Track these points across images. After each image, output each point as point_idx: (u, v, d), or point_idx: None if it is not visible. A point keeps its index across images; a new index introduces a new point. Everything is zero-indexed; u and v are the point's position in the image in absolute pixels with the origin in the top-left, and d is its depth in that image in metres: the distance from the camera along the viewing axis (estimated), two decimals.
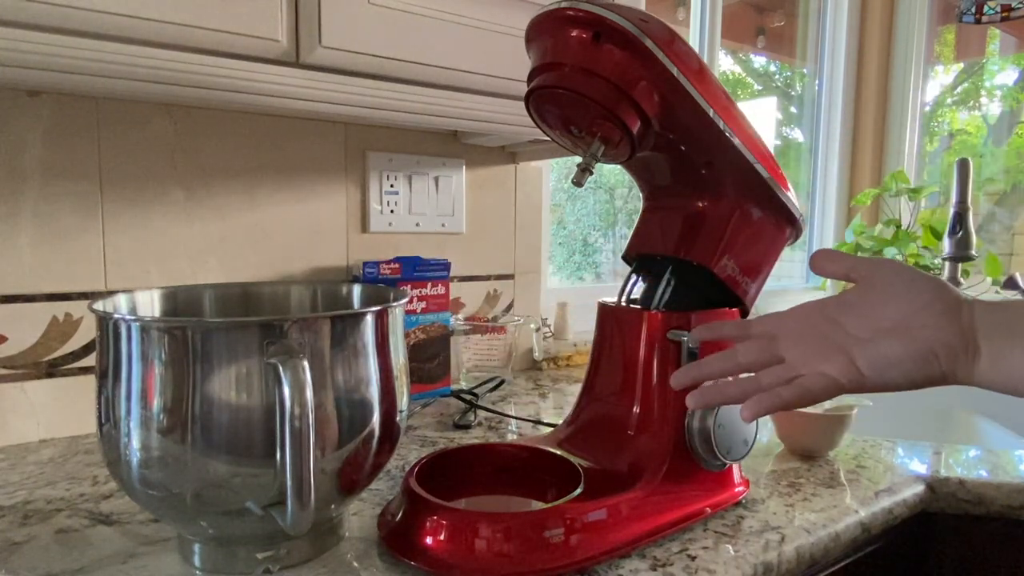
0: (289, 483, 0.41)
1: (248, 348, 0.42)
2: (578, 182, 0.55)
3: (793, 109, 1.96)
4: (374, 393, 0.48)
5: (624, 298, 0.64)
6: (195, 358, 0.42)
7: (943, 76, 2.02)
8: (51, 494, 0.61)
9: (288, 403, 0.40)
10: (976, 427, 1.15)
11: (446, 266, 0.97)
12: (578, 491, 0.52)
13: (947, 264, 1.31)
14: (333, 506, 0.50)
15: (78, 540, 0.52)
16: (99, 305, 0.46)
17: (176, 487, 0.43)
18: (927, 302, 0.41)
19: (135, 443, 0.43)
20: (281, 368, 0.41)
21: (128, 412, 0.43)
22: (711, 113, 0.53)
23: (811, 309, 0.46)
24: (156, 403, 0.42)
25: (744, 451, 0.59)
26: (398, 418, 0.51)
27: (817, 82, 1.88)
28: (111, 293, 0.78)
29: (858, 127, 1.90)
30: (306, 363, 0.42)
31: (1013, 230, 1.89)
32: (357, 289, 0.61)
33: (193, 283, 0.62)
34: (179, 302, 0.58)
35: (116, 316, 0.43)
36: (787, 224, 0.62)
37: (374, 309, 0.48)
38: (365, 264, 0.91)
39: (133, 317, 0.46)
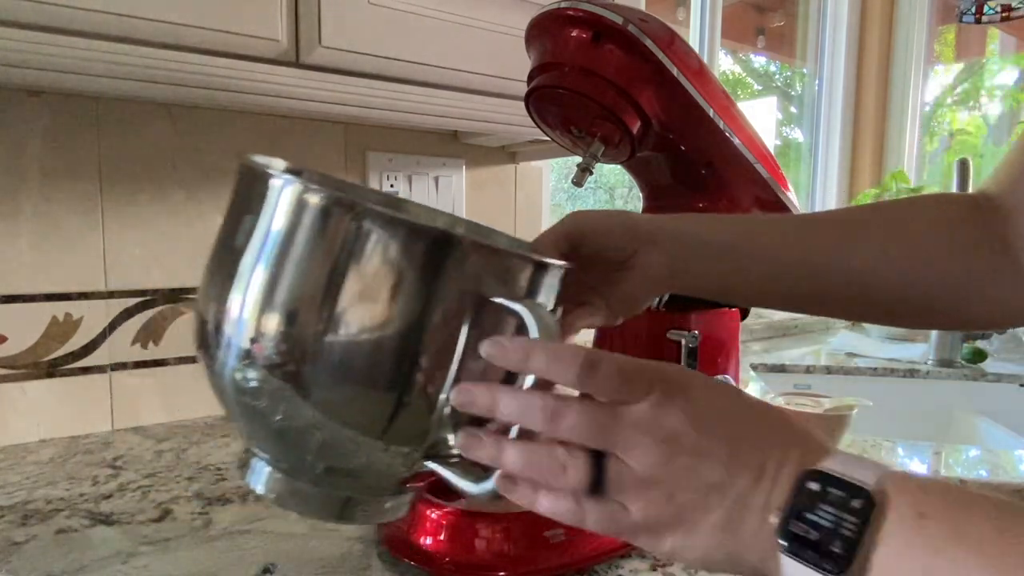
0: None
1: (476, 277, 0.34)
2: (578, 182, 0.55)
3: (793, 109, 1.96)
4: None
5: None
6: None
7: (943, 76, 2.02)
8: (51, 494, 0.61)
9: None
10: (976, 427, 1.15)
11: None
12: None
13: None
14: None
15: (78, 540, 0.52)
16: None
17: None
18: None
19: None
20: (531, 318, 0.34)
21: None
22: (711, 113, 0.53)
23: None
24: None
25: None
26: None
27: (817, 82, 1.88)
28: (111, 293, 0.79)
29: (858, 127, 1.90)
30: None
31: None
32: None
33: None
34: None
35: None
36: None
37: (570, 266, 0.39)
38: None
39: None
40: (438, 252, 0.33)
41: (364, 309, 0.33)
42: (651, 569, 0.50)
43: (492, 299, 0.35)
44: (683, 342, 0.57)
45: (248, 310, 0.33)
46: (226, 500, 0.60)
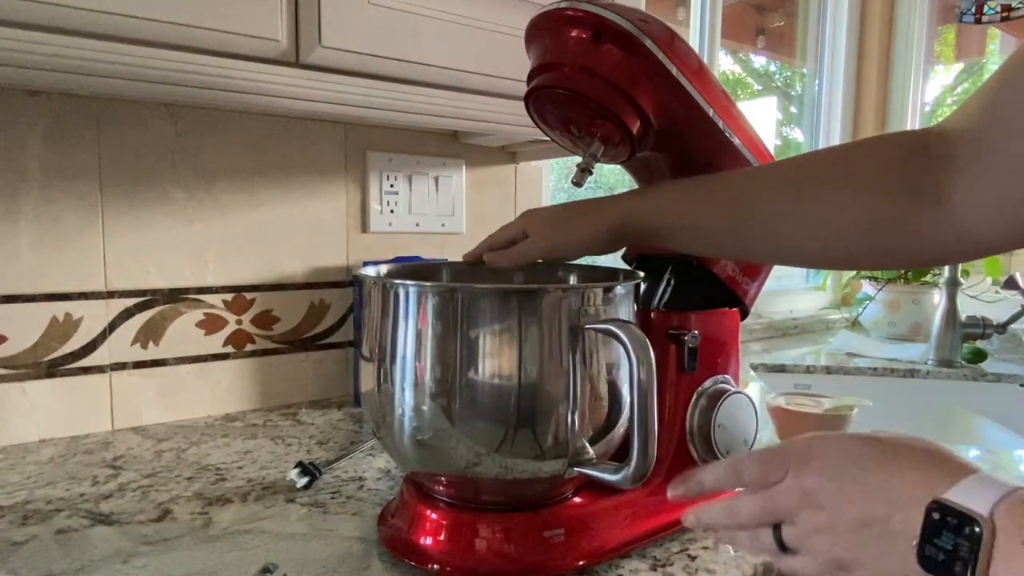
0: (636, 440, 0.43)
1: (568, 313, 0.44)
2: (578, 182, 0.55)
3: (793, 109, 1.96)
4: None
5: None
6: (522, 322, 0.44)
7: (943, 76, 2.02)
8: (51, 494, 0.61)
9: (635, 363, 0.42)
10: (976, 427, 1.15)
11: None
12: (578, 491, 0.52)
13: (947, 264, 1.31)
14: None
15: (78, 540, 0.52)
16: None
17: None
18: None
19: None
20: (622, 334, 0.43)
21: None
22: (711, 113, 0.53)
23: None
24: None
25: (744, 451, 0.59)
26: None
27: (817, 82, 1.88)
28: (111, 293, 0.79)
29: (858, 127, 1.90)
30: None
31: None
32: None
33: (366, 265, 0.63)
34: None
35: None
36: None
37: (637, 279, 0.52)
38: (365, 264, 0.91)
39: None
40: (528, 301, 0.43)
41: (491, 362, 0.43)
42: (651, 569, 0.50)
43: (586, 327, 0.44)
44: (684, 341, 0.57)
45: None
46: (226, 500, 0.60)
